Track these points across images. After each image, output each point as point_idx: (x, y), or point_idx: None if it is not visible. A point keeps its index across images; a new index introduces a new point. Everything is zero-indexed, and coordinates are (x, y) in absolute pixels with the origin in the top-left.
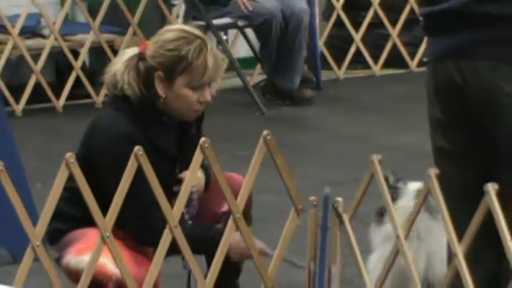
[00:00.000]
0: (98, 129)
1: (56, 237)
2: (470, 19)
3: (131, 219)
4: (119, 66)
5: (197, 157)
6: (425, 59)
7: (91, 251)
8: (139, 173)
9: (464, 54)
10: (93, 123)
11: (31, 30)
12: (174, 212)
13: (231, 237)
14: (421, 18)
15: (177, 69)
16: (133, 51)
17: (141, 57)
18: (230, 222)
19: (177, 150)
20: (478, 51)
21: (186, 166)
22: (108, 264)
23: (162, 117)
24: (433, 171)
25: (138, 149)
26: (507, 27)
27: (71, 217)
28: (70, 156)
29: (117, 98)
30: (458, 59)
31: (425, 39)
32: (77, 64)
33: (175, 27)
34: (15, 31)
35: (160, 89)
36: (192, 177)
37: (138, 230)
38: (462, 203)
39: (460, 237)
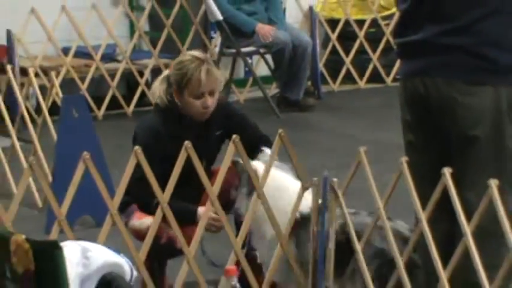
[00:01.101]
0: (139, 125)
1: (124, 207)
2: (432, 48)
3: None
4: (156, 82)
5: (230, 149)
6: (398, 77)
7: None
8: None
9: (427, 73)
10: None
11: (109, 57)
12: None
13: (255, 210)
14: (395, 47)
15: (182, 83)
16: (166, 72)
17: (168, 76)
18: (254, 197)
19: (202, 144)
20: (438, 71)
21: (210, 156)
22: (162, 224)
23: (182, 119)
24: (404, 159)
25: (136, 148)
26: (458, 54)
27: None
28: (138, 148)
29: (155, 105)
30: (423, 76)
31: (398, 62)
32: (142, 81)
33: (187, 53)
34: (98, 57)
35: (176, 99)
36: (226, 164)
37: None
38: (425, 182)
39: (423, 207)
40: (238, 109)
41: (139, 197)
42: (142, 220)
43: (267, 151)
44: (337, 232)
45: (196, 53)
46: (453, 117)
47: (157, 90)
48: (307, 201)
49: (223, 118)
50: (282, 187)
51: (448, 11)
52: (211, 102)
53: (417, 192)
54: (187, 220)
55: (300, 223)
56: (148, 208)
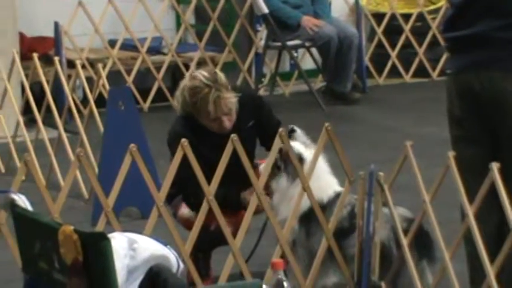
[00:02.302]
0: (169, 131)
1: (171, 199)
2: (489, 42)
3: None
4: (178, 92)
5: (276, 141)
6: (447, 71)
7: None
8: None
9: (483, 66)
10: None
11: (155, 49)
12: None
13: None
14: (444, 41)
15: (196, 110)
16: (185, 81)
17: (184, 92)
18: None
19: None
20: (494, 65)
21: (248, 149)
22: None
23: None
24: (451, 154)
25: (183, 140)
26: None
27: (180, 185)
28: (184, 141)
29: (180, 113)
30: (478, 70)
31: (446, 56)
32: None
33: (197, 76)
34: (144, 50)
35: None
36: (272, 157)
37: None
38: (474, 176)
39: (471, 202)
40: (265, 100)
41: (186, 189)
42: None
43: (298, 131)
44: (344, 219)
45: (207, 74)
46: (506, 111)
47: (180, 100)
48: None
49: (252, 109)
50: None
51: (506, 6)
52: (228, 122)
53: (465, 186)
54: (232, 203)
55: (311, 212)
56: (196, 200)
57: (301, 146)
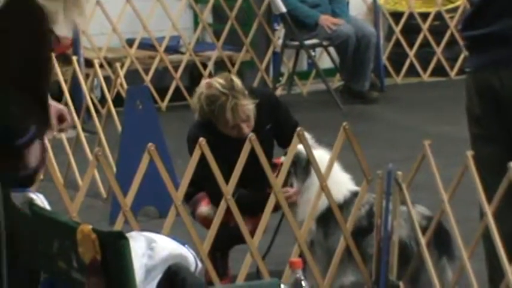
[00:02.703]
0: (188, 137)
1: (189, 198)
2: (508, 41)
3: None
4: (194, 98)
5: (294, 141)
6: (466, 69)
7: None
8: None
9: (502, 65)
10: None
11: (173, 48)
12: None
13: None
14: (463, 40)
15: (214, 118)
16: (202, 89)
17: (200, 98)
18: (318, 189)
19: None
20: None
21: (266, 150)
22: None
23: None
24: (470, 153)
25: (201, 139)
26: None
27: (198, 184)
28: (202, 140)
29: (198, 120)
30: (497, 69)
31: (465, 55)
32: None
33: (214, 84)
34: (161, 49)
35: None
36: (290, 157)
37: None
38: (493, 174)
39: (489, 200)
40: (282, 101)
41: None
42: (209, 207)
43: (305, 133)
44: (362, 218)
45: (223, 81)
46: None
47: (197, 106)
48: (341, 191)
49: (270, 110)
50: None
51: None
52: (247, 128)
53: (484, 184)
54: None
55: (328, 211)
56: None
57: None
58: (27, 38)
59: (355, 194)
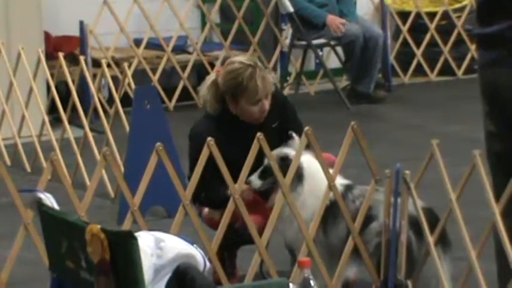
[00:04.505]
0: (191, 133)
1: (195, 198)
2: (504, 41)
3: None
4: (204, 88)
5: (303, 140)
6: (475, 67)
7: None
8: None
9: (498, 64)
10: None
11: (180, 48)
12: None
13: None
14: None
15: (238, 92)
16: (212, 77)
17: (216, 82)
18: (327, 189)
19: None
20: (508, 62)
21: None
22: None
23: (235, 121)
24: (477, 152)
25: (209, 139)
26: None
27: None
28: (210, 139)
29: (206, 112)
30: (494, 67)
31: (469, 54)
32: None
33: (235, 60)
34: (169, 49)
35: (231, 107)
36: (298, 157)
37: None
38: (500, 172)
39: (497, 199)
40: (290, 101)
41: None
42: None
43: (297, 138)
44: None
45: (244, 58)
46: None
47: (207, 97)
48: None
49: (278, 109)
50: (315, 172)
51: None
52: (267, 105)
53: (494, 182)
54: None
55: (326, 209)
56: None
57: (293, 152)
58: None
59: (347, 187)
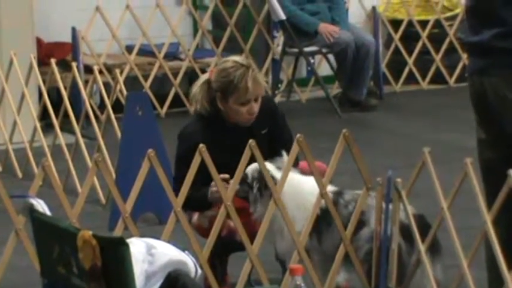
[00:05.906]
0: (180, 134)
1: (185, 204)
2: (490, 50)
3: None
4: (195, 88)
5: (294, 148)
6: (466, 74)
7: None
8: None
9: (484, 72)
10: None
11: (172, 55)
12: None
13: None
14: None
15: (228, 91)
16: (205, 77)
17: (208, 81)
18: (319, 197)
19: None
20: (494, 71)
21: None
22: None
23: (226, 124)
24: (469, 160)
25: (201, 146)
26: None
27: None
28: (202, 146)
29: (196, 111)
30: (483, 76)
31: (461, 62)
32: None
33: (230, 59)
34: (161, 55)
35: (220, 105)
36: (290, 163)
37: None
38: (491, 180)
39: (489, 205)
40: (278, 107)
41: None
42: (203, 214)
43: (285, 157)
44: (350, 214)
45: (239, 58)
46: (507, 114)
47: (198, 96)
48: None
49: (267, 115)
50: (298, 185)
51: (501, 15)
52: (256, 108)
53: (486, 190)
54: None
55: (319, 216)
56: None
57: (274, 168)
58: None
59: (337, 193)
